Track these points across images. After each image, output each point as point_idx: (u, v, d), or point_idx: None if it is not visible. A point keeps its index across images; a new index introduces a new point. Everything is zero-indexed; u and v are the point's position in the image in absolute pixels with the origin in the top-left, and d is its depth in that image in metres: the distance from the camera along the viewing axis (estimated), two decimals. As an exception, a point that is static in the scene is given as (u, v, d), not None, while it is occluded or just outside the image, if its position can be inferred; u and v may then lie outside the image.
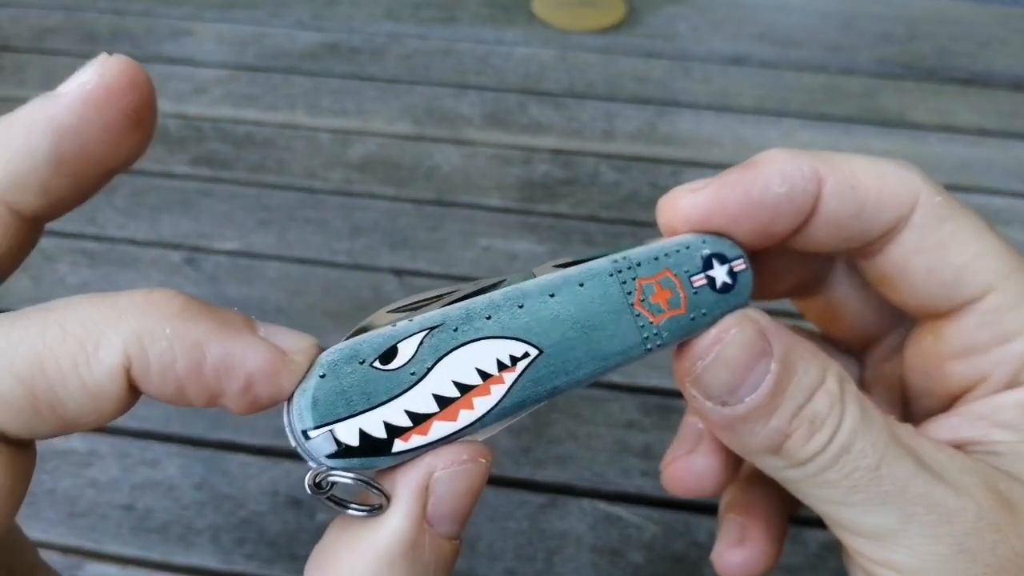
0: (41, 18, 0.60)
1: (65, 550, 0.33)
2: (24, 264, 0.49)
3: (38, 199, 0.15)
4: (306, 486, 0.14)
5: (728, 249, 0.18)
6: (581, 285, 0.17)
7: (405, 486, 0.15)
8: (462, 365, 0.15)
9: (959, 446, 0.18)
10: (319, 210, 0.46)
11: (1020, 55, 0.58)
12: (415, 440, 0.15)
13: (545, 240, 0.45)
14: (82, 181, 0.16)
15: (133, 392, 0.14)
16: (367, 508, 0.15)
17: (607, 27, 0.60)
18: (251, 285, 0.42)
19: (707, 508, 0.34)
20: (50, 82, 0.50)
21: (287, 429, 0.14)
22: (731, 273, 0.18)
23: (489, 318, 0.16)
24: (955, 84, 0.56)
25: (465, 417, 0.15)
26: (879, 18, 0.61)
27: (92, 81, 0.15)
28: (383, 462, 0.15)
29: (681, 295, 0.18)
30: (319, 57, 0.57)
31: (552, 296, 0.16)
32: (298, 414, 0.14)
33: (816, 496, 0.18)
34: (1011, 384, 0.19)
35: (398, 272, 0.43)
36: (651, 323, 0.17)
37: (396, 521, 0.15)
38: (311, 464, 0.14)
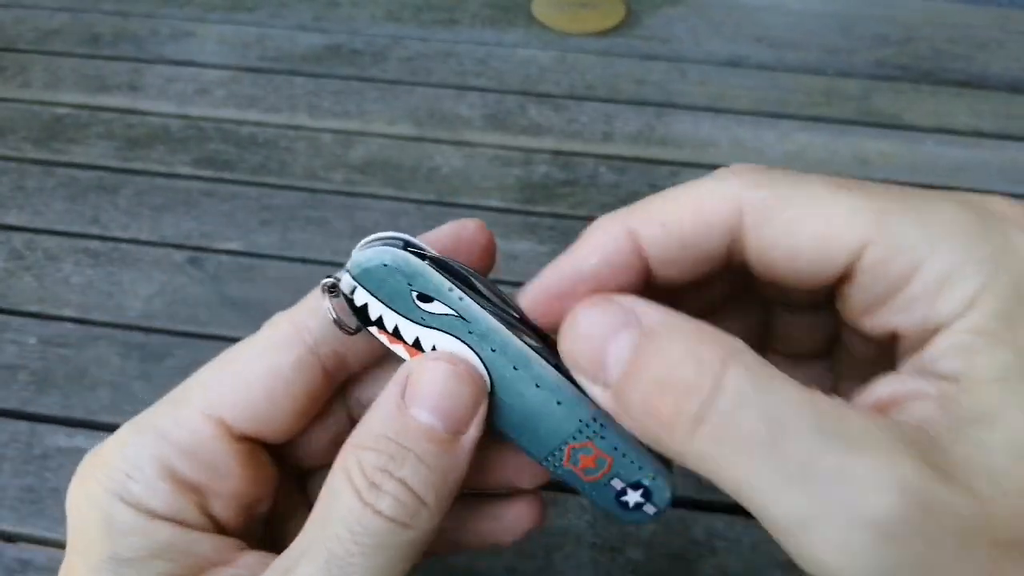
0: (45, 19, 0.60)
1: (70, 546, 0.33)
2: (28, 263, 0.49)
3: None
4: (320, 284, 0.20)
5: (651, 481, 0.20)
6: (559, 403, 0.19)
7: (392, 380, 0.19)
8: (445, 346, 0.20)
9: (897, 401, 0.17)
10: (321, 210, 0.47)
11: (1017, 57, 0.59)
12: (382, 338, 0.20)
13: (545, 241, 0.45)
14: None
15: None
16: (347, 329, 0.20)
17: (606, 29, 0.60)
18: (253, 284, 0.42)
19: (705, 506, 0.34)
20: (54, 83, 0.51)
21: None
22: (645, 493, 0.20)
23: (493, 351, 0.19)
24: (952, 86, 0.56)
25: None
26: (876, 20, 0.62)
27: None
28: (362, 329, 0.20)
29: (607, 463, 0.20)
30: (321, 59, 0.57)
31: (537, 386, 0.19)
32: (355, 262, 0.20)
33: (725, 478, 0.16)
34: (925, 327, 0.17)
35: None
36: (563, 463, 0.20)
37: (383, 399, 0.19)
38: (339, 281, 0.20)
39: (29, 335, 0.40)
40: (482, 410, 0.19)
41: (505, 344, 0.19)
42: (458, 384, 0.19)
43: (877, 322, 0.18)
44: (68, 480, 0.34)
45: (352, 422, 0.22)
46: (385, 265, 0.20)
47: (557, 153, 0.51)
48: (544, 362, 0.20)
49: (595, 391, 0.18)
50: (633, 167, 0.50)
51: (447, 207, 0.47)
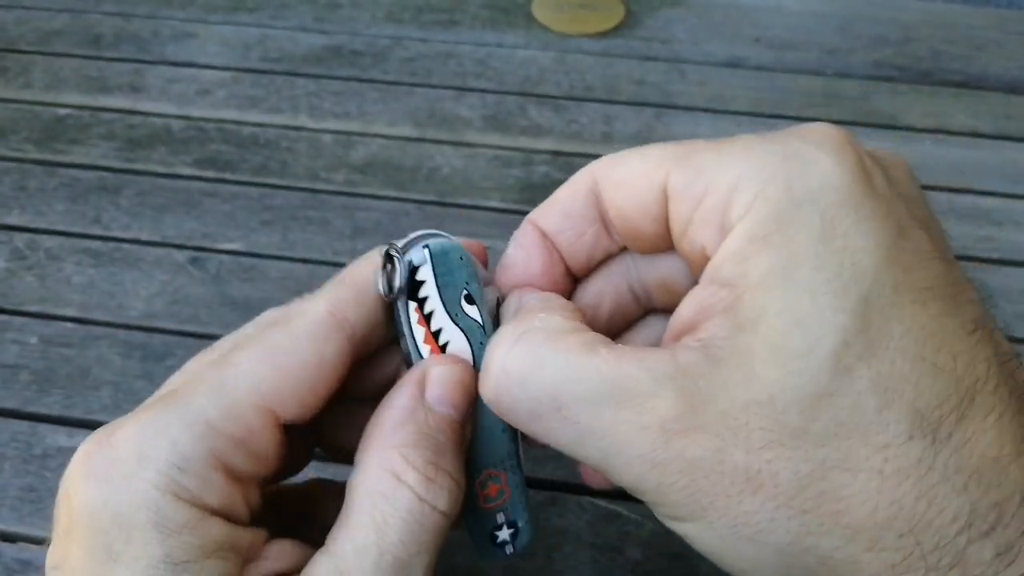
0: (46, 20, 0.60)
1: (72, 546, 0.33)
2: (30, 263, 0.50)
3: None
4: (380, 251, 0.21)
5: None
6: (503, 431, 0.22)
7: (409, 377, 0.21)
8: (458, 348, 0.22)
9: (697, 318, 0.18)
10: (322, 211, 0.47)
11: (1015, 58, 0.59)
12: (413, 316, 0.22)
13: (544, 241, 0.45)
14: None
15: None
16: (387, 296, 0.21)
17: (606, 30, 0.61)
18: (254, 284, 0.42)
19: (704, 505, 0.34)
20: (55, 84, 0.51)
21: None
22: (515, 533, 0.23)
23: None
24: (950, 87, 0.56)
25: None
26: (874, 21, 0.62)
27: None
28: (408, 309, 0.22)
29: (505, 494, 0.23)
30: (322, 60, 0.57)
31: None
32: (439, 241, 0.22)
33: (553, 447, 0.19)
34: (720, 237, 0.19)
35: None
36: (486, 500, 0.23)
37: (406, 400, 0.20)
38: (399, 250, 0.21)
39: (30, 335, 0.41)
40: (473, 399, 0.21)
41: None
42: (468, 383, 0.21)
43: (688, 243, 0.20)
44: (70, 479, 0.35)
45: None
46: (461, 258, 0.22)
47: (557, 154, 0.51)
48: None
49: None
50: (633, 168, 0.50)
51: (447, 207, 0.47)
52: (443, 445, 0.20)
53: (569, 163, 0.50)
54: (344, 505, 0.20)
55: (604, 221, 0.22)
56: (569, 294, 0.23)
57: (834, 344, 0.16)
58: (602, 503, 0.34)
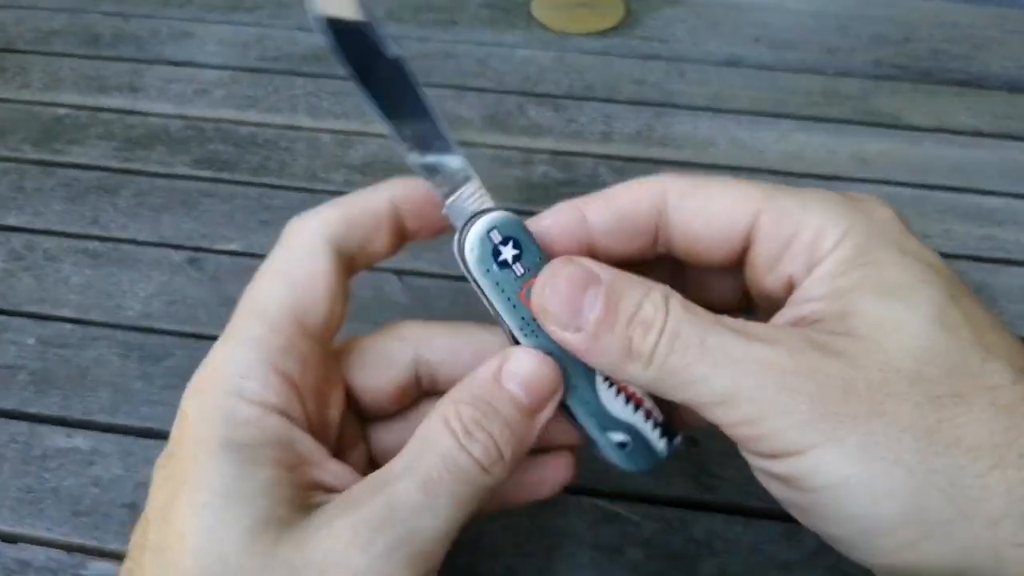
0: (45, 20, 0.60)
1: (69, 548, 0.33)
2: (28, 264, 0.49)
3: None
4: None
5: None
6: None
7: (494, 357, 0.24)
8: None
9: (793, 322, 0.22)
10: (320, 211, 0.47)
11: (1015, 57, 0.59)
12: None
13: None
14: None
15: None
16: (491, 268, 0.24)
17: (605, 30, 0.60)
18: (253, 285, 0.42)
19: (704, 505, 0.34)
20: (53, 84, 0.50)
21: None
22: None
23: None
24: (951, 86, 0.56)
25: None
26: (875, 20, 0.62)
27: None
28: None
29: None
30: (320, 59, 0.57)
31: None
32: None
33: (674, 386, 0.22)
34: (809, 269, 0.23)
35: (399, 272, 0.43)
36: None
37: (483, 370, 0.23)
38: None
39: (28, 335, 0.40)
40: (557, 398, 0.24)
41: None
42: (545, 373, 0.23)
43: (776, 275, 0.24)
44: (68, 480, 0.35)
45: (416, 379, 0.27)
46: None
47: (556, 153, 0.51)
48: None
49: (568, 336, 0.23)
50: (632, 167, 0.50)
51: (446, 207, 0.47)
52: (496, 414, 0.22)
53: (568, 162, 0.50)
54: None
55: (659, 234, 0.25)
56: None
57: (933, 310, 0.20)
58: (602, 503, 0.34)
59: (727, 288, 0.27)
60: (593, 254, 0.24)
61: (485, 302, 0.24)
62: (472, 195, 0.25)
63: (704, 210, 0.24)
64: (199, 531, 0.21)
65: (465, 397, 0.23)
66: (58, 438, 0.36)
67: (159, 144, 0.51)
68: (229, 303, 0.24)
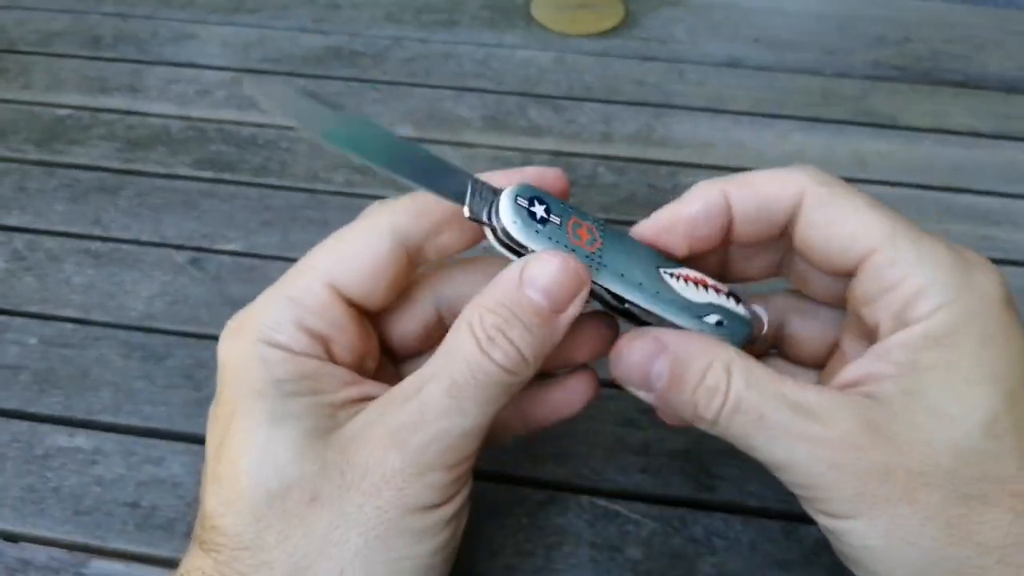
0: (47, 21, 0.60)
1: (71, 547, 0.33)
2: (30, 264, 0.50)
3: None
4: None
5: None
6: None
7: (516, 263, 0.24)
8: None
9: (863, 380, 0.24)
10: (321, 211, 0.47)
11: (1014, 58, 0.59)
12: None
13: (544, 241, 0.45)
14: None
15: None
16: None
17: (605, 31, 0.61)
18: (254, 285, 0.42)
19: (704, 505, 0.34)
20: (55, 85, 0.51)
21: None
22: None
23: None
24: (949, 87, 0.56)
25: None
26: (874, 21, 0.62)
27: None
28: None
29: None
30: (321, 60, 0.57)
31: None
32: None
33: (739, 445, 0.24)
34: (897, 323, 0.24)
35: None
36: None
37: (504, 276, 0.24)
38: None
39: (30, 335, 0.41)
40: (582, 296, 0.24)
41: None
42: (565, 275, 0.24)
43: (868, 313, 0.25)
44: (70, 480, 0.35)
45: (439, 317, 0.28)
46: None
47: (556, 154, 0.51)
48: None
49: (642, 395, 0.25)
50: (632, 168, 0.50)
51: (447, 208, 0.47)
52: (516, 320, 0.23)
53: (568, 163, 0.50)
54: None
55: (783, 233, 0.26)
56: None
57: (985, 416, 0.22)
58: (602, 502, 0.34)
59: (768, 262, 0.29)
60: (730, 238, 0.27)
61: None
62: (480, 188, 0.26)
63: (828, 227, 0.25)
64: (252, 451, 0.23)
65: (488, 303, 0.24)
66: (60, 438, 0.36)
67: (160, 145, 0.51)
68: (231, 303, 0.24)
